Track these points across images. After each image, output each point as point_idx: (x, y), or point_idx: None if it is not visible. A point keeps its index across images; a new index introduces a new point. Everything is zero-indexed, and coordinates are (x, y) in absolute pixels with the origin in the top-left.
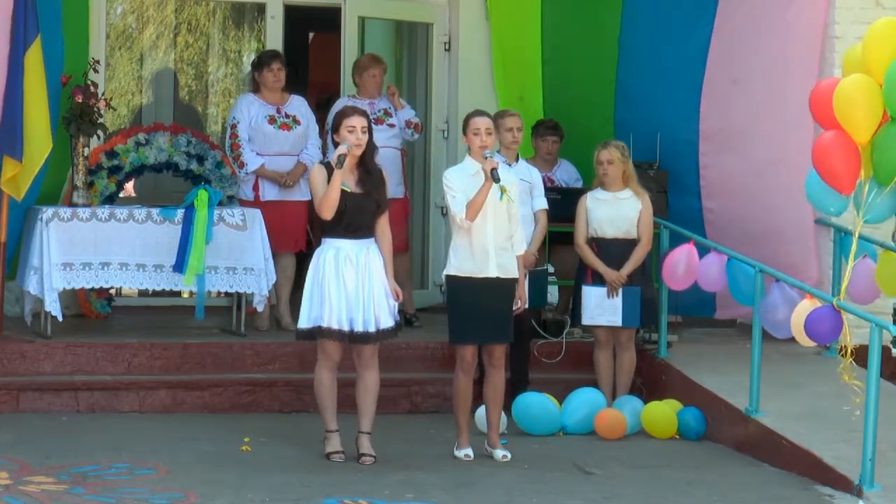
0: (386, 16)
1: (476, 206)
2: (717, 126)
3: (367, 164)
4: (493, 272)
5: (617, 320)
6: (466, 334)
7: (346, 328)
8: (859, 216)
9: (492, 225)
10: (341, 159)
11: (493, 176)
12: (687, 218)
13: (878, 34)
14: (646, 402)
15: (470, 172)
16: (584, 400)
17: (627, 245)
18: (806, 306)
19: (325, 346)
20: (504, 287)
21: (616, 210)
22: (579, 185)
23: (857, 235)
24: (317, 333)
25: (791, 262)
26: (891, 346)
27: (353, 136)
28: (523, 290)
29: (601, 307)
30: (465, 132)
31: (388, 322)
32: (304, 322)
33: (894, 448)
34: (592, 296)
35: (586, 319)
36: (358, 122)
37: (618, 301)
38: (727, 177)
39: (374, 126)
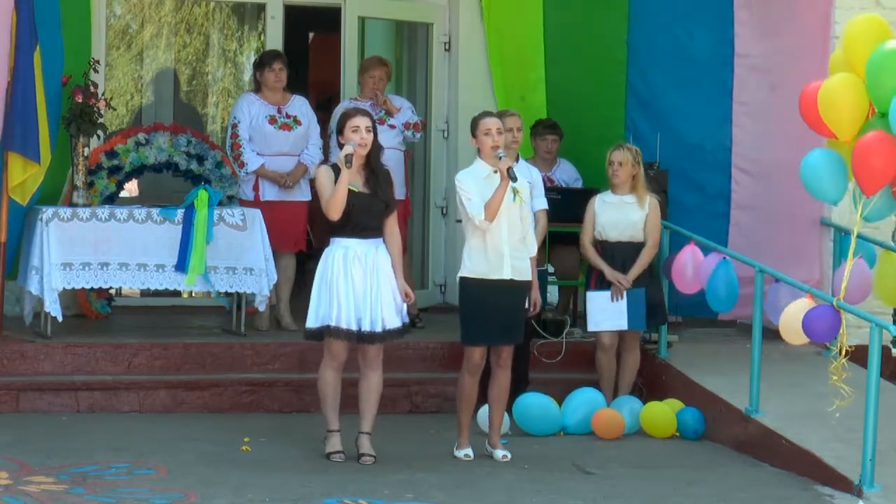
0: (386, 16)
1: (494, 206)
2: (752, 132)
3: (373, 165)
4: (507, 274)
5: (623, 324)
6: (479, 335)
7: (354, 328)
8: (859, 214)
9: (506, 226)
10: (349, 158)
11: (510, 174)
12: (709, 223)
13: (856, 32)
14: (645, 402)
15: (481, 175)
16: (584, 400)
17: (633, 248)
18: (802, 305)
19: (332, 345)
20: (517, 289)
21: (621, 214)
22: (579, 184)
23: (855, 234)
24: (325, 333)
25: (797, 263)
26: (891, 346)
27: (357, 135)
28: (537, 292)
29: (606, 312)
30: (473, 134)
31: (394, 322)
32: (312, 322)
33: (894, 448)
34: (595, 301)
35: (591, 326)
36: (362, 121)
37: (622, 304)
38: (758, 182)
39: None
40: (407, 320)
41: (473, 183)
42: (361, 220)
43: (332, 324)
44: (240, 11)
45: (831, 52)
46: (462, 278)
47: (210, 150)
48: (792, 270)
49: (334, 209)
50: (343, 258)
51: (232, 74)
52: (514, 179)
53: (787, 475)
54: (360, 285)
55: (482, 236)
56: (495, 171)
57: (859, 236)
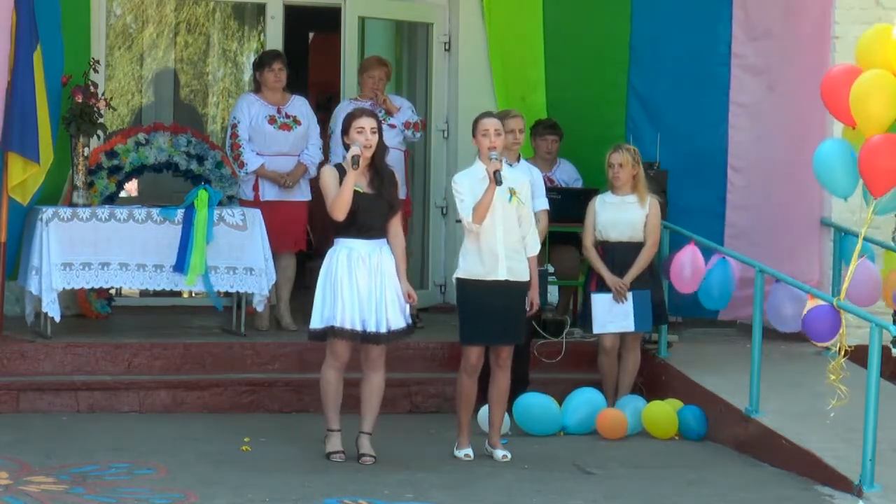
0: (386, 16)
1: (482, 208)
2: (750, 132)
3: (377, 165)
4: (502, 275)
5: (629, 325)
6: (476, 336)
7: (358, 328)
8: (869, 213)
9: (501, 227)
10: (356, 159)
11: (496, 178)
12: (707, 223)
13: None
14: (646, 402)
15: (478, 176)
16: (585, 400)
17: (633, 248)
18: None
19: (336, 346)
20: (514, 290)
21: (621, 214)
22: (579, 184)
23: (863, 233)
24: (329, 333)
25: (797, 263)
26: (891, 346)
27: (362, 136)
28: (536, 293)
29: (611, 314)
30: (473, 134)
31: (399, 323)
32: (316, 322)
33: (894, 448)
34: (600, 303)
35: (597, 328)
36: (367, 122)
37: (628, 306)
38: (755, 182)
39: None
40: (411, 321)
41: (469, 184)
42: (366, 220)
43: (336, 324)
44: (240, 11)
45: (831, 53)
46: (458, 279)
47: (210, 150)
48: (791, 270)
49: (340, 209)
50: (347, 259)
51: (232, 74)
52: (499, 183)
53: (787, 475)
54: (365, 286)
55: (476, 237)
56: None
57: (857, 236)
